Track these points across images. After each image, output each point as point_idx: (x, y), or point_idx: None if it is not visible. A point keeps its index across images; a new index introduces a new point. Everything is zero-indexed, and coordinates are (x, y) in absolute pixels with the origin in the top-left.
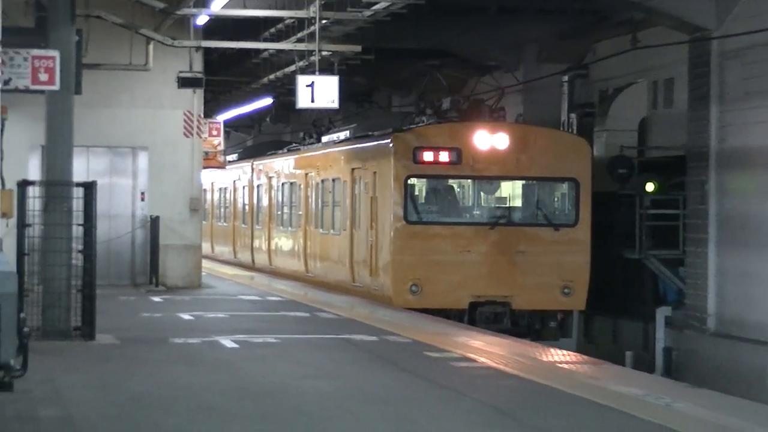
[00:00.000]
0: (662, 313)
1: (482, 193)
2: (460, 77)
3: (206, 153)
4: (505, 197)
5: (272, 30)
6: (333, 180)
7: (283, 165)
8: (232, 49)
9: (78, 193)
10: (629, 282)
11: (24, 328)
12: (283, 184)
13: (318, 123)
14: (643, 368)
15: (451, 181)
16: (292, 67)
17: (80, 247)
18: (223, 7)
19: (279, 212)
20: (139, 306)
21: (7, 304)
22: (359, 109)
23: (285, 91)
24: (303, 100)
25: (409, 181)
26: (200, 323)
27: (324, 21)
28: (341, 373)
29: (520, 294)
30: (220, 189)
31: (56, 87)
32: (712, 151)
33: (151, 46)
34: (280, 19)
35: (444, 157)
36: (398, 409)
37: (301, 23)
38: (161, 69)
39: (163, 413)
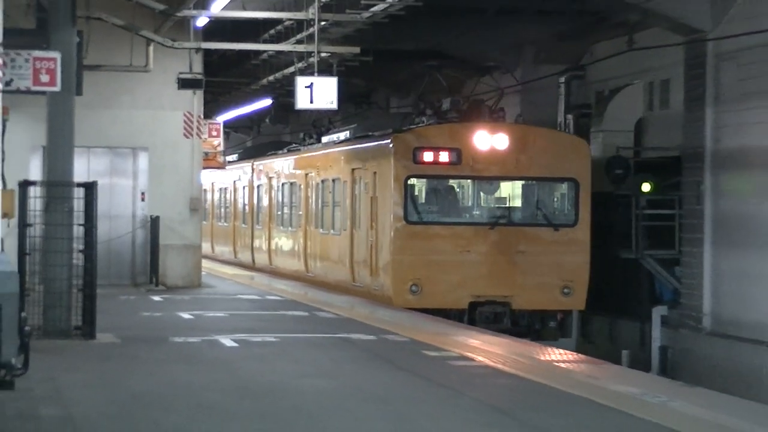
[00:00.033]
0: (658, 312)
1: (482, 194)
2: (460, 77)
3: (206, 153)
4: (505, 197)
5: (271, 32)
6: (333, 180)
7: (283, 165)
8: (232, 50)
9: (79, 193)
10: (625, 282)
11: (25, 328)
12: (283, 184)
13: (318, 123)
14: (640, 367)
15: (451, 182)
16: (291, 69)
17: (81, 247)
18: (222, 9)
19: (279, 212)
20: (140, 305)
21: (8, 303)
22: (358, 110)
23: (284, 92)
24: (302, 101)
25: (409, 182)
26: (200, 322)
27: (323, 23)
28: (340, 372)
29: (519, 294)
30: (221, 189)
31: (57, 88)
32: (708, 151)
33: (151, 48)
34: (279, 21)
35: (444, 157)
36: (397, 408)
37: (300, 25)
38: (161, 70)
39: (163, 412)
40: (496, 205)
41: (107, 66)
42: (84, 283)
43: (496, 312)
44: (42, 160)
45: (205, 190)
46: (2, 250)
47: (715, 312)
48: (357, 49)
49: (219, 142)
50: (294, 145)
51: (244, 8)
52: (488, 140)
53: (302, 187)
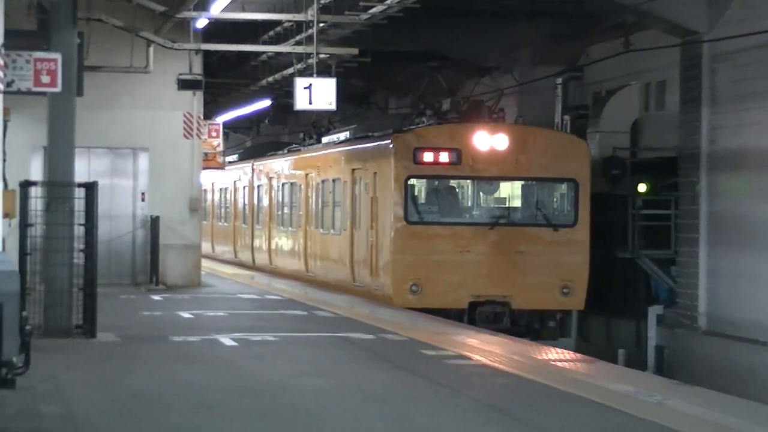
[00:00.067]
0: (654, 311)
1: (482, 194)
2: (459, 77)
3: (206, 154)
4: (505, 197)
5: (271, 33)
6: (333, 180)
7: (283, 165)
8: (232, 51)
9: (79, 193)
10: (622, 281)
11: (26, 326)
12: (283, 184)
13: (318, 124)
14: (636, 366)
15: (451, 182)
16: (290, 70)
17: (81, 246)
18: (222, 11)
19: (279, 212)
20: (140, 304)
21: (9, 302)
22: (358, 110)
23: (283, 93)
24: (301, 102)
25: (409, 182)
26: (200, 321)
27: (322, 24)
28: (339, 371)
29: (519, 294)
30: (221, 189)
31: (58, 89)
32: (704, 152)
33: (151, 49)
34: (278, 23)
35: (444, 157)
36: (395, 407)
37: (299, 26)
38: (161, 71)
39: (163, 411)
40: (496, 206)
41: (108, 67)
42: (85, 283)
43: (496, 312)
44: (43, 160)
45: (205, 190)
46: (3, 249)
47: (711, 311)
48: (355, 51)
49: (218, 142)
50: (294, 145)
51: (244, 10)
52: (488, 141)
53: (302, 187)
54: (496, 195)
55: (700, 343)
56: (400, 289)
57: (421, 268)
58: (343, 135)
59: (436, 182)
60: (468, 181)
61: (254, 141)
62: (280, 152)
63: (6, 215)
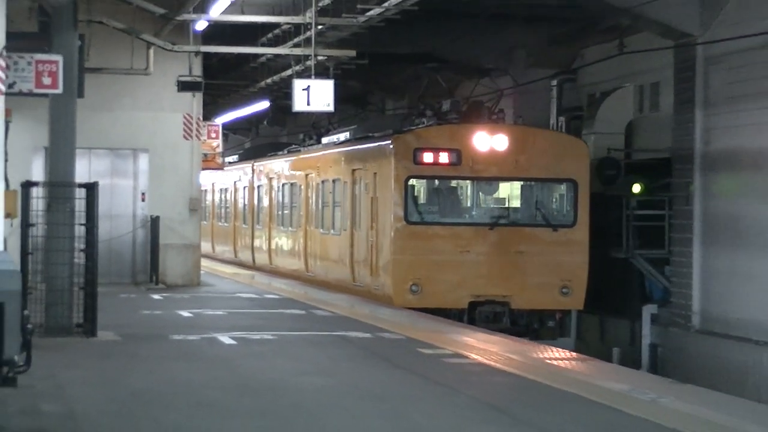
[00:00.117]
0: (648, 310)
1: (482, 194)
2: (459, 78)
3: (205, 155)
4: (505, 198)
5: (269, 35)
6: (333, 181)
7: (283, 166)
8: (231, 53)
9: (80, 193)
10: (616, 281)
11: (27, 325)
12: (283, 184)
13: (318, 125)
14: (630, 365)
15: (451, 182)
16: (289, 72)
17: (82, 246)
18: (221, 13)
19: (279, 212)
20: (140, 303)
21: (11, 301)
22: (358, 111)
23: (281, 94)
24: (299, 104)
25: (409, 182)
26: (199, 320)
27: (320, 27)
28: (337, 370)
29: (519, 294)
30: (221, 190)
31: (59, 90)
32: (697, 153)
33: (151, 51)
34: (277, 25)
35: (444, 158)
36: (394, 406)
37: (297, 29)
38: (161, 73)
39: (163, 409)
40: (496, 206)
41: (108, 69)
42: (85, 282)
43: (496, 312)
44: (44, 161)
45: (205, 191)
46: (5, 249)
47: (704, 310)
48: (353, 53)
49: (218, 143)
50: (294, 146)
51: (243, 12)
52: (488, 141)
53: (302, 187)
54: (495, 195)
55: (693, 342)
56: (400, 289)
57: (421, 268)
58: (343, 136)
59: (436, 182)
60: (468, 181)
61: (253, 142)
62: (280, 153)
63: (8, 215)
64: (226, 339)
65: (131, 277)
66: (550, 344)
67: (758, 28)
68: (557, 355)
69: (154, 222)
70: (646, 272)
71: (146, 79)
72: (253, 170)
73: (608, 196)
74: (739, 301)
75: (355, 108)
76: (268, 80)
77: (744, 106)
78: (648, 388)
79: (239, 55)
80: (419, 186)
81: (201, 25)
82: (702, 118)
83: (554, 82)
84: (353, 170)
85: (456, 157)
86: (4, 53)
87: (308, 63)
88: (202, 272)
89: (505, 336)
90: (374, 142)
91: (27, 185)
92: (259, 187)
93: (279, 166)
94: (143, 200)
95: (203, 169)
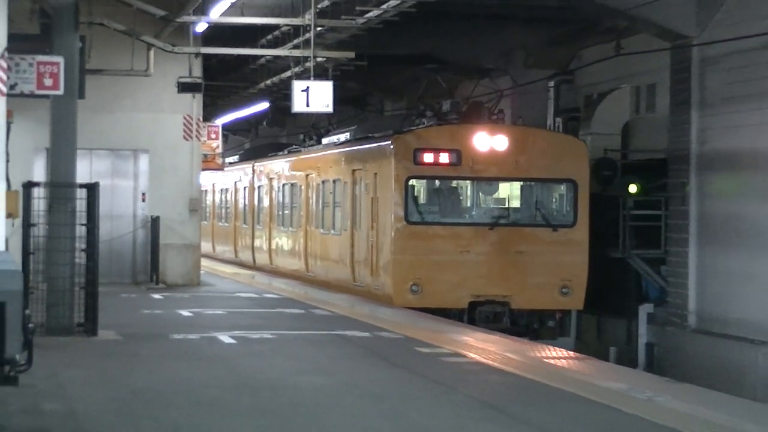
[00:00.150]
0: (645, 310)
1: (482, 194)
2: (458, 79)
3: (205, 155)
4: (504, 198)
5: (269, 37)
6: (334, 181)
7: (284, 166)
8: (231, 55)
9: (81, 194)
10: (613, 280)
11: (29, 325)
12: (284, 185)
13: (318, 125)
14: (627, 364)
15: (451, 182)
16: (288, 73)
17: (83, 246)
18: (221, 15)
19: (280, 213)
20: (140, 303)
21: (12, 301)
22: (357, 112)
23: (281, 95)
24: (298, 105)
25: (409, 182)
26: (199, 320)
27: (319, 28)
28: (336, 369)
29: (519, 294)
30: (222, 190)
31: (60, 92)
32: (693, 154)
33: (152, 53)
34: (276, 27)
35: (444, 158)
36: (392, 404)
37: (296, 30)
38: (162, 74)
39: (163, 408)
40: (496, 206)
41: (109, 70)
42: (86, 282)
43: (496, 311)
44: (45, 161)
45: (205, 191)
46: (7, 249)
47: (700, 310)
48: (352, 54)
49: (218, 144)
50: (294, 146)
51: (243, 14)
52: (488, 141)
53: (303, 188)
54: (495, 195)
55: (689, 341)
56: (401, 289)
57: (422, 268)
58: (343, 136)
59: (437, 183)
60: (468, 181)
61: (253, 143)
62: (281, 153)
63: (9, 215)
64: (225, 338)
65: (132, 276)
66: (550, 344)
67: (754, 30)
68: (554, 355)
69: (155, 222)
70: (642, 272)
71: (146, 81)
72: (253, 171)
73: (605, 196)
74: (735, 300)
75: (354, 109)
76: (268, 81)
77: (739, 107)
78: (645, 387)
79: (239, 56)
80: (419, 186)
81: (201, 26)
82: (698, 119)
83: (551, 84)
84: (353, 170)
85: (456, 157)
86: (6, 55)
87: (307, 64)
88: (202, 272)
89: (502, 335)
90: (374, 143)
91: (28, 186)
92: (259, 187)
93: (279, 166)
94: (143, 201)
95: (203, 169)
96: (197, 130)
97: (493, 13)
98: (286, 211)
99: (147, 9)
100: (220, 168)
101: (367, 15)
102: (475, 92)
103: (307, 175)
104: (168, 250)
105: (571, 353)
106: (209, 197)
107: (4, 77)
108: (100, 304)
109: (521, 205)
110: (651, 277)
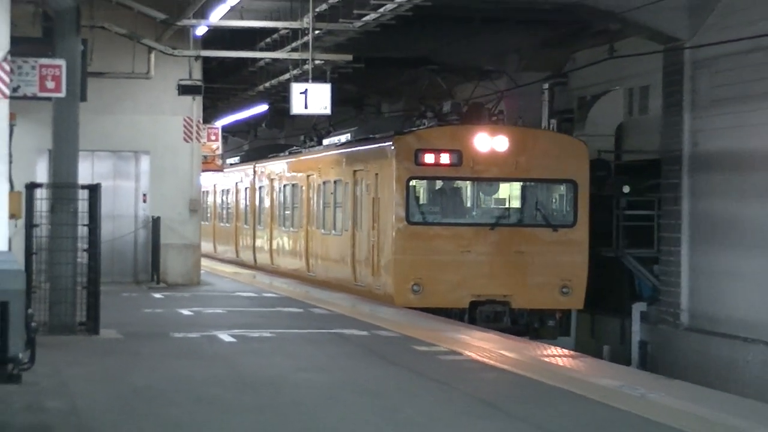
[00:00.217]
0: (638, 308)
1: (482, 195)
2: (458, 80)
3: (205, 157)
4: (505, 198)
5: (268, 40)
6: (335, 182)
7: (284, 167)
8: (230, 58)
9: (83, 195)
10: (607, 279)
11: (32, 324)
12: (284, 185)
13: (317, 127)
14: (620, 361)
15: (452, 183)
16: (287, 75)
17: (85, 246)
18: (221, 19)
19: (281, 213)
20: (141, 302)
21: (15, 300)
22: (359, 114)
23: (280, 98)
24: (297, 107)
25: (410, 183)
26: (199, 319)
27: (317, 31)
28: (335, 367)
29: (519, 293)
30: (223, 191)
31: (62, 94)
32: (685, 154)
33: (152, 56)
34: (275, 30)
35: (445, 159)
36: (390, 402)
37: (295, 34)
38: (162, 77)
39: (164, 405)
40: (496, 206)
41: (110, 73)
42: (88, 281)
43: (496, 311)
44: (48, 163)
45: (206, 192)
46: (10, 249)
47: (693, 308)
48: (349, 57)
49: (217, 145)
50: (295, 147)
51: (242, 18)
52: (488, 142)
53: (304, 188)
54: (496, 196)
55: (682, 339)
56: (402, 289)
57: (423, 268)
58: (344, 137)
59: (437, 183)
60: (468, 182)
61: (252, 144)
62: (282, 154)
63: (12, 216)
64: (225, 337)
65: (133, 276)
66: (550, 344)
67: (745, 33)
68: (550, 353)
69: (155, 222)
70: (635, 271)
71: (147, 83)
72: (254, 172)
73: (599, 196)
74: (727, 299)
75: (352, 110)
76: (267, 84)
77: (731, 108)
78: (638, 384)
79: (238, 59)
80: (420, 186)
81: (201, 30)
82: (690, 120)
83: (546, 86)
84: (354, 171)
85: (457, 157)
86: (9, 58)
87: (306, 67)
88: (202, 272)
89: (499, 334)
90: (375, 144)
91: (31, 187)
92: (260, 188)
93: (280, 167)
94: (144, 201)
95: (203, 170)
96: (197, 132)
97: (488, 17)
98: (287, 212)
99: (148, 12)
100: (220, 169)
101: (364, 18)
102: (474, 93)
103: (308, 176)
104: (168, 249)
105: (566, 351)
106: (211, 198)
107: (7, 80)
108: (101, 303)
109: (522, 205)
110: (644, 276)
